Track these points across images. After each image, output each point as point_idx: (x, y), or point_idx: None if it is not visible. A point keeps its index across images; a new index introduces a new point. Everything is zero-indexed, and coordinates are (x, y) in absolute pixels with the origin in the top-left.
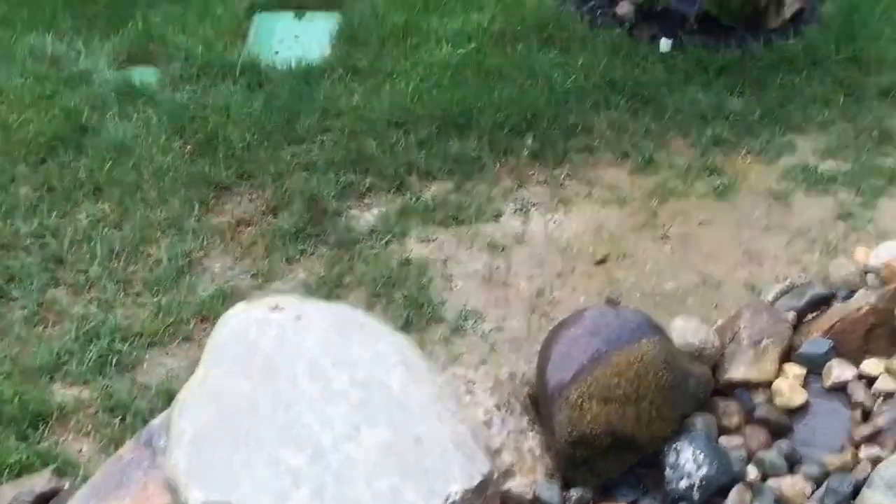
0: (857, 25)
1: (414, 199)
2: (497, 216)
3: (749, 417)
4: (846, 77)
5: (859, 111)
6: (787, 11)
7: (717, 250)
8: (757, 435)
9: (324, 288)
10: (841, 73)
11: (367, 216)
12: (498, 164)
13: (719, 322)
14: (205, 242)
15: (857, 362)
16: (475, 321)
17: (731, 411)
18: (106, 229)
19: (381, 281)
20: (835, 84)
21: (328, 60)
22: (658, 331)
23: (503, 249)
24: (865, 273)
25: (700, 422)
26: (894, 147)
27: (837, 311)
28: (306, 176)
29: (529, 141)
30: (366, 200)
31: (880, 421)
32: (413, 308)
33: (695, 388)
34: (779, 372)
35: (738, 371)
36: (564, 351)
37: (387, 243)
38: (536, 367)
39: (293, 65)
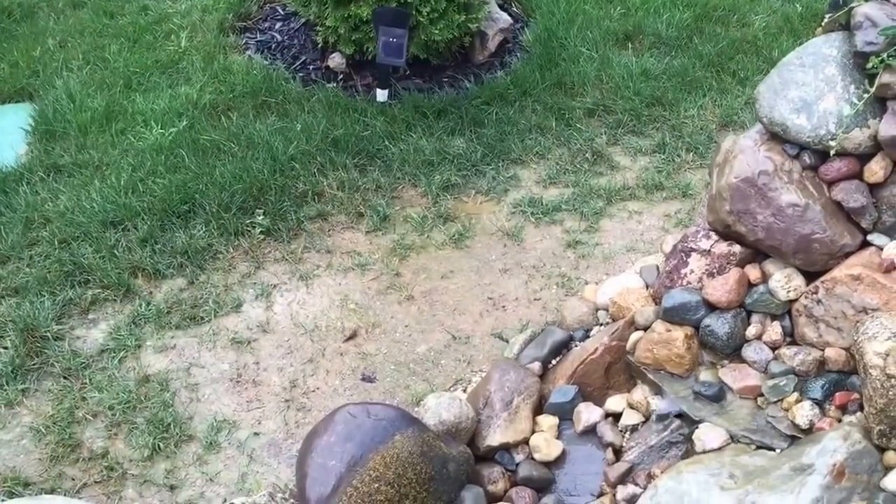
0: (556, 50)
1: (144, 304)
2: (238, 306)
3: (513, 479)
4: (555, 103)
5: (571, 134)
6: (492, 44)
7: (461, 302)
8: (522, 496)
9: (55, 429)
10: (550, 100)
11: (94, 334)
12: (231, 249)
13: (472, 385)
14: None
15: (602, 402)
16: (229, 431)
17: (495, 477)
18: None
19: (120, 407)
20: (546, 111)
21: (25, 161)
22: (411, 421)
23: (249, 343)
24: (597, 311)
25: (468, 497)
26: (606, 166)
27: (577, 354)
28: (17, 301)
29: (260, 217)
30: (90, 316)
31: (630, 456)
32: (159, 432)
33: (455, 472)
34: (534, 427)
35: (495, 437)
36: (320, 462)
37: (120, 361)
38: (296, 482)
39: None
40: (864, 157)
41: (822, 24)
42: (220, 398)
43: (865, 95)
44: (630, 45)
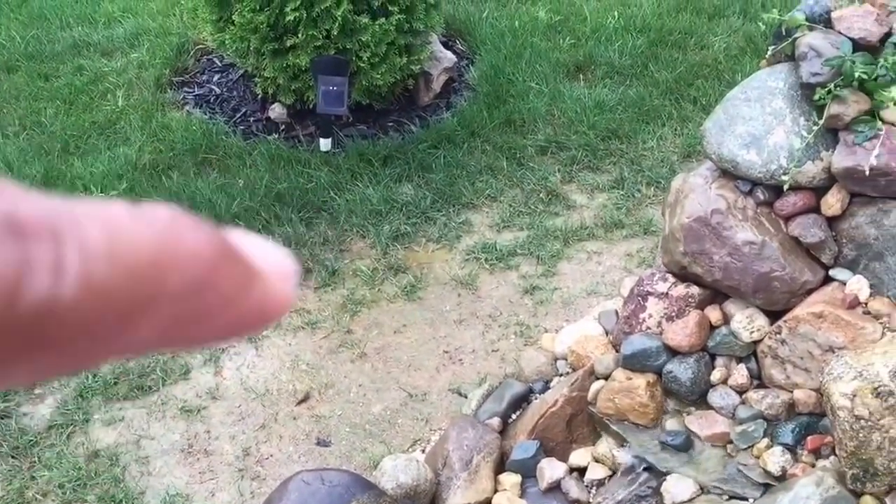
0: (504, 86)
1: (90, 376)
2: (186, 373)
3: None
4: (504, 142)
5: (524, 174)
6: (436, 85)
7: (416, 357)
8: None
9: None
10: (499, 139)
11: (41, 410)
12: None
13: (431, 445)
14: None
15: (566, 456)
16: None
17: None
18: None
19: (70, 485)
20: (496, 151)
21: None
22: (367, 486)
23: (199, 411)
24: (556, 360)
25: None
26: (562, 205)
27: (537, 407)
28: None
29: None
30: (37, 391)
31: None
32: None
33: None
34: (496, 486)
35: (455, 499)
36: None
37: (69, 437)
38: None
39: None
40: (819, 190)
41: (766, 56)
42: (172, 470)
43: (815, 127)
44: (582, 77)
